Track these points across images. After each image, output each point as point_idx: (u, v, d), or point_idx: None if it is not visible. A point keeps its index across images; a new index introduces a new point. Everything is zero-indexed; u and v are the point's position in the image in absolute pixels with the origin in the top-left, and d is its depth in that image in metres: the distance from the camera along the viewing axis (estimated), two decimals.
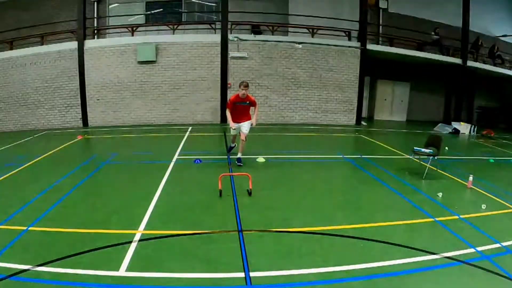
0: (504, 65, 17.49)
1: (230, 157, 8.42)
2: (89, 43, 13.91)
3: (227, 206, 5.59)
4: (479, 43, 17.02)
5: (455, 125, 15.22)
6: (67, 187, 6.37)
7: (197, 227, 4.78)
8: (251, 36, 14.53)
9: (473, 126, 15.39)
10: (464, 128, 15.11)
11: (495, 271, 3.84)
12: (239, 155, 7.86)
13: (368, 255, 4.14)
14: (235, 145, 8.44)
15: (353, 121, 15.43)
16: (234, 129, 7.73)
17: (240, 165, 7.73)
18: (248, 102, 7.71)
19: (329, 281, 3.63)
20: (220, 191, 5.97)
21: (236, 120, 7.71)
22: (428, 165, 7.56)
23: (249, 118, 7.84)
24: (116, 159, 8.58)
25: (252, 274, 3.69)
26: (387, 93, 18.28)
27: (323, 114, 15.20)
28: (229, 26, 14.25)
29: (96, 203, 5.72)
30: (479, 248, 4.34)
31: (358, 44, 15.10)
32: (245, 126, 7.75)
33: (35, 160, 8.30)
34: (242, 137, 7.69)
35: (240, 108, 7.71)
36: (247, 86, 7.58)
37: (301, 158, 9.03)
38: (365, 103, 17.12)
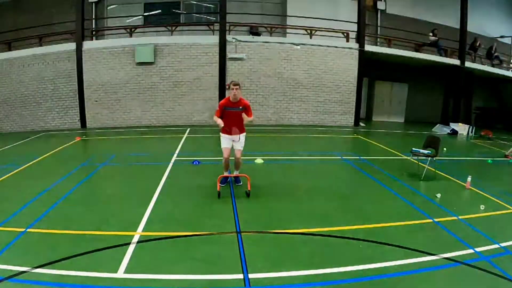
0: (502, 66, 17.55)
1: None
2: (88, 44, 13.90)
3: (226, 207, 5.58)
4: (477, 44, 17.06)
5: (453, 126, 15.23)
6: (66, 188, 6.35)
7: (196, 228, 4.77)
8: (250, 37, 14.54)
9: (471, 127, 15.41)
10: (462, 129, 15.12)
11: (493, 271, 3.84)
12: (236, 173, 6.67)
13: (367, 256, 4.14)
14: (229, 176, 6.71)
15: (351, 122, 15.43)
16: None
17: (239, 184, 6.70)
18: (241, 107, 6.18)
19: (327, 282, 3.62)
20: (219, 193, 5.96)
21: (226, 131, 6.20)
22: (426, 166, 7.57)
23: (243, 130, 6.36)
24: (114, 161, 8.57)
25: (251, 275, 3.69)
26: (385, 94, 18.32)
27: (321, 115, 15.21)
28: (227, 27, 14.25)
29: (94, 205, 5.71)
30: (478, 249, 4.35)
31: (356, 46, 15.11)
32: (239, 142, 6.32)
33: (33, 162, 8.27)
34: (238, 154, 6.34)
35: (232, 114, 6.17)
36: (237, 85, 6.09)
37: (299, 159, 9.03)
38: (363, 104, 17.17)
